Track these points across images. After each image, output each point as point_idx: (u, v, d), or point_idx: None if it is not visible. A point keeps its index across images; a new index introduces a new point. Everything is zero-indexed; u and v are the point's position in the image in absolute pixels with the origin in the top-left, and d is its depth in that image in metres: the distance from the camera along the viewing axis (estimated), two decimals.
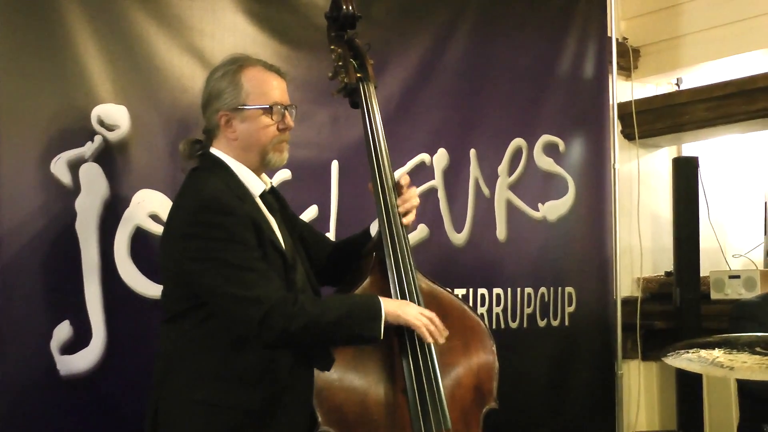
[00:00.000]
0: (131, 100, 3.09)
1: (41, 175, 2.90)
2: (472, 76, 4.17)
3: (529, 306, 4.32)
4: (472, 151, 4.15)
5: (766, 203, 4.78)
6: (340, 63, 2.82)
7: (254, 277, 2.36)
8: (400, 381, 2.55)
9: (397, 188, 2.76)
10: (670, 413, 4.79)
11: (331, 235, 3.54)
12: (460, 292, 3.93)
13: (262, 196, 2.55)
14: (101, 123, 3.02)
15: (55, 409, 2.87)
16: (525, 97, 4.38)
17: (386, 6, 3.88)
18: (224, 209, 2.38)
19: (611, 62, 4.80)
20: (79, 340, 2.92)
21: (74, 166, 2.95)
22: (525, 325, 4.29)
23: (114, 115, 3.05)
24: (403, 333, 2.54)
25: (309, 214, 3.52)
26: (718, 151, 5.31)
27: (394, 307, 2.47)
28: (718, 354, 2.57)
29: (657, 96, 5.26)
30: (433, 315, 2.54)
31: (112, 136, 3.04)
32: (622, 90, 5.01)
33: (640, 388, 5.01)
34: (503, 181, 4.27)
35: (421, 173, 3.93)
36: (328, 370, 2.50)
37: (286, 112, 2.56)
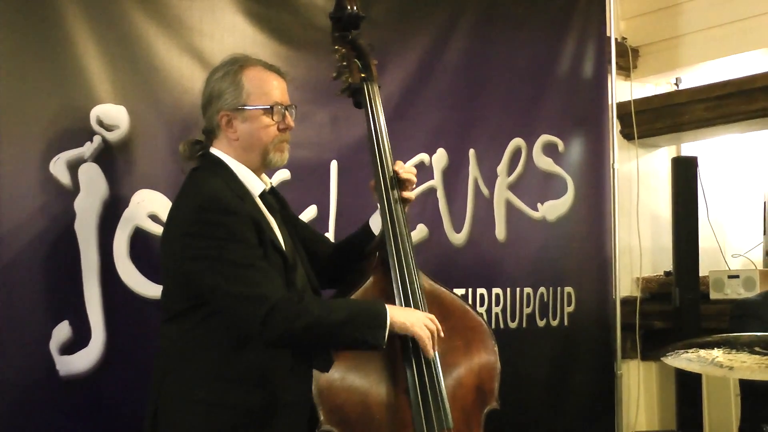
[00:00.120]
0: (130, 101, 3.09)
1: (40, 175, 2.90)
2: (472, 76, 4.17)
3: (528, 306, 4.32)
4: (472, 151, 4.15)
5: (765, 203, 4.77)
6: (344, 63, 2.83)
7: (257, 276, 2.36)
8: (402, 381, 2.55)
9: (399, 183, 2.76)
10: (669, 413, 4.80)
11: (330, 235, 3.54)
12: (459, 292, 3.93)
13: (262, 196, 2.55)
14: (100, 123, 3.02)
15: (54, 410, 2.87)
16: (524, 96, 4.38)
17: (386, 6, 3.88)
18: (225, 208, 2.38)
19: (610, 62, 4.79)
20: (78, 341, 2.92)
21: (73, 167, 2.95)
22: (524, 325, 4.29)
23: (113, 115, 3.05)
24: (406, 334, 2.53)
25: (308, 214, 3.51)
26: (717, 151, 5.31)
27: (402, 318, 2.46)
28: (717, 354, 2.57)
29: (656, 96, 5.26)
30: (433, 317, 2.55)
31: (111, 136, 3.04)
32: (622, 90, 5.01)
33: (639, 388, 5.01)
34: (502, 181, 4.27)
35: (421, 173, 3.91)
36: (327, 371, 2.50)
37: (286, 112, 2.56)
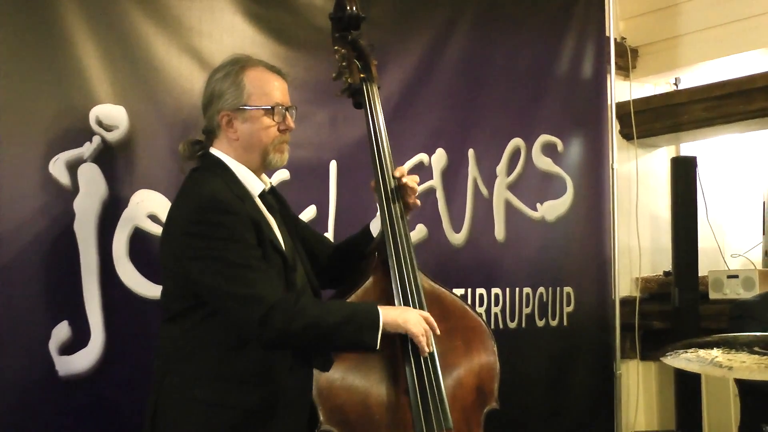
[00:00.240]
0: (130, 101, 3.09)
1: (40, 175, 2.89)
2: (471, 76, 4.17)
3: (527, 306, 4.32)
4: (471, 151, 4.15)
5: (764, 203, 4.77)
6: (344, 63, 2.82)
7: (255, 276, 2.36)
8: (402, 381, 2.55)
9: (400, 188, 2.75)
10: (668, 413, 4.79)
11: (329, 235, 3.54)
12: (458, 292, 3.92)
13: (262, 196, 2.55)
14: (100, 123, 3.02)
15: (54, 410, 2.87)
16: (523, 97, 4.38)
17: (386, 7, 3.87)
18: (224, 208, 2.38)
19: (609, 62, 4.80)
20: (77, 341, 2.92)
21: (73, 167, 2.95)
22: (523, 325, 4.29)
23: (113, 116, 3.05)
24: (405, 334, 2.53)
25: (307, 214, 3.51)
26: (716, 151, 5.31)
27: (394, 316, 2.47)
28: (716, 354, 2.57)
29: (655, 96, 5.26)
30: (428, 315, 2.55)
31: (110, 136, 3.04)
32: (621, 90, 5.01)
33: (638, 388, 5.01)
34: (502, 181, 4.27)
35: (420, 173, 3.92)
36: (327, 370, 2.50)
37: (287, 113, 2.57)
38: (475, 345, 2.77)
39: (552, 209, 4.47)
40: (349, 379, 2.54)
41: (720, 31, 4.82)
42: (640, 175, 5.14)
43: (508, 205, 4.30)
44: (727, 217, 5.24)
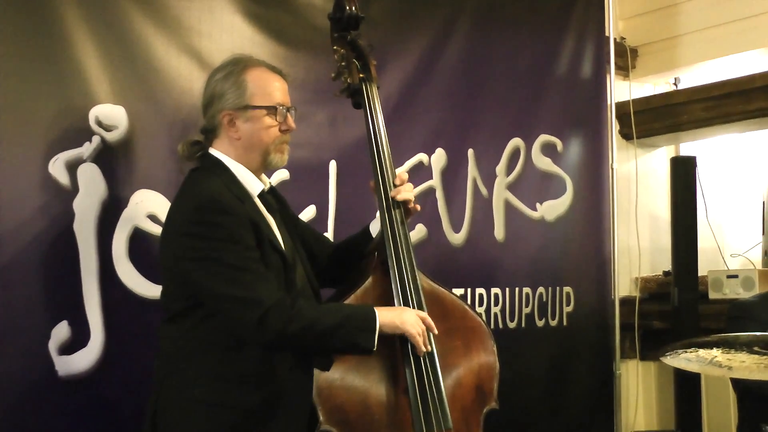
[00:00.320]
0: (129, 101, 3.09)
1: (39, 175, 2.89)
2: (470, 76, 4.17)
3: (527, 306, 4.32)
4: (470, 151, 4.15)
5: (763, 203, 4.77)
6: (343, 64, 2.83)
7: (252, 278, 2.36)
8: (401, 381, 2.55)
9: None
10: (668, 413, 4.79)
11: (329, 235, 3.54)
12: (458, 292, 3.92)
13: (262, 196, 2.55)
14: (99, 123, 3.02)
15: (53, 410, 2.87)
16: (523, 97, 4.38)
17: (385, 7, 3.87)
18: (223, 209, 2.38)
19: (609, 62, 4.80)
20: (77, 341, 2.92)
21: (72, 167, 2.95)
22: (523, 325, 4.29)
23: (112, 116, 3.05)
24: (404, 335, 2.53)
25: (307, 214, 3.51)
26: (715, 151, 5.31)
27: (391, 318, 2.47)
28: (716, 353, 2.56)
29: (655, 96, 5.26)
30: (425, 315, 2.55)
31: (110, 136, 3.04)
32: (620, 90, 5.01)
33: (638, 388, 5.01)
34: (501, 181, 4.27)
35: (420, 173, 3.93)
36: (328, 370, 2.50)
37: (288, 113, 2.57)
38: (475, 345, 2.77)
39: (551, 209, 4.47)
40: (348, 379, 2.54)
41: (719, 30, 4.82)
42: (639, 175, 5.14)
43: (508, 205, 4.30)
44: (726, 217, 5.23)
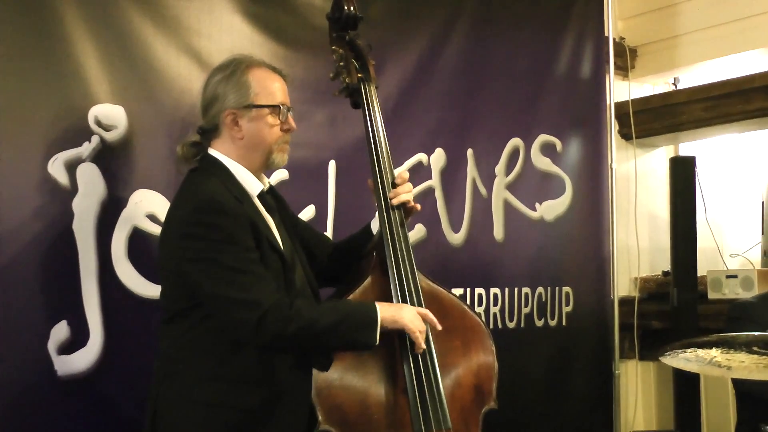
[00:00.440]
0: (129, 101, 3.09)
1: (38, 175, 2.89)
2: (470, 76, 4.17)
3: (526, 306, 4.32)
4: (470, 151, 4.15)
5: (763, 203, 4.78)
6: (342, 64, 2.82)
7: (251, 280, 2.36)
8: (400, 381, 2.55)
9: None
10: (667, 413, 4.79)
11: (328, 235, 3.53)
12: (457, 292, 3.93)
13: (261, 196, 2.55)
14: (98, 123, 3.02)
15: (52, 410, 2.86)
16: (522, 97, 4.38)
17: (384, 6, 3.87)
18: (222, 210, 2.38)
19: (608, 62, 4.80)
20: (76, 340, 2.92)
21: (71, 167, 2.95)
22: (522, 325, 4.29)
23: (111, 116, 3.05)
24: (403, 333, 2.53)
25: (306, 214, 3.51)
26: (715, 151, 5.31)
27: (390, 313, 2.47)
28: (715, 353, 2.56)
29: (654, 96, 5.26)
30: (427, 312, 2.55)
31: (109, 136, 3.04)
32: (620, 90, 5.01)
33: (637, 388, 5.02)
34: (500, 180, 4.27)
35: (419, 173, 3.93)
36: (327, 370, 2.50)
37: (289, 113, 2.56)
38: (474, 345, 2.77)
39: (551, 209, 4.47)
40: (347, 378, 2.54)
41: (719, 30, 4.82)
42: (638, 175, 5.14)
43: (507, 205, 4.30)
44: (725, 217, 5.23)
